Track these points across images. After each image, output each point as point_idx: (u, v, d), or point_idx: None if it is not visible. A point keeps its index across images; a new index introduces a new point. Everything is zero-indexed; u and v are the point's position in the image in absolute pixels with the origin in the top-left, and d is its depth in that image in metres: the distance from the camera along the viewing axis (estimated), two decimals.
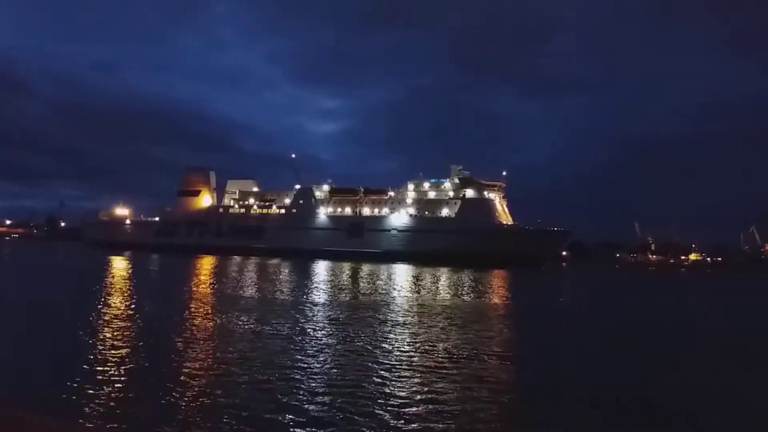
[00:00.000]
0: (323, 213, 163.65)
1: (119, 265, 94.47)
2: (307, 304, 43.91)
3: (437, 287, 67.76)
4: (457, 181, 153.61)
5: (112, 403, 16.69)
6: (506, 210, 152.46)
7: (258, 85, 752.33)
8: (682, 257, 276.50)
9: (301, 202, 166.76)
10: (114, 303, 40.44)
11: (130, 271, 80.00)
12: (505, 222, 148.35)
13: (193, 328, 31.00)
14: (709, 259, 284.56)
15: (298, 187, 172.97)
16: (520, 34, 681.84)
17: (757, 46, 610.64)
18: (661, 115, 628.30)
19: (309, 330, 31.54)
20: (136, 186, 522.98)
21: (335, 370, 21.89)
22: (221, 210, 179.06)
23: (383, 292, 57.83)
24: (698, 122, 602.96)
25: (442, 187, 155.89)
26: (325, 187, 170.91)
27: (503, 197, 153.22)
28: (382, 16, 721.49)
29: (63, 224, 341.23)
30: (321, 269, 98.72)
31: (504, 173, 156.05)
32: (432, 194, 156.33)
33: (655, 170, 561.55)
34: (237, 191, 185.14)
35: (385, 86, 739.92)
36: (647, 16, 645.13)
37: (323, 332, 31.14)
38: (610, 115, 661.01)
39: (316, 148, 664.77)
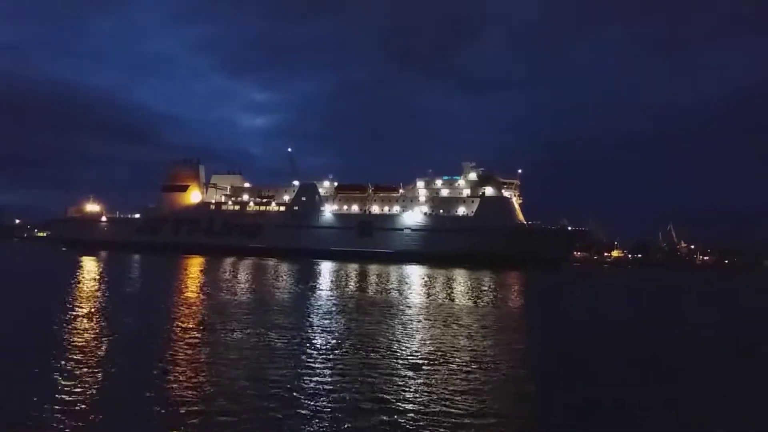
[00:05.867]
0: (328, 211, 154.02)
1: (94, 267, 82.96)
2: (314, 308, 41.05)
3: (461, 291, 61.61)
4: (472, 178, 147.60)
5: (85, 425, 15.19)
6: (519, 209, 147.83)
7: (183, 75, 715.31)
8: (605, 254, 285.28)
9: (303, 199, 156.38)
10: (96, 312, 35.21)
11: (108, 274, 69.96)
12: (522, 221, 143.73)
13: (187, 341, 26.85)
14: (630, 255, 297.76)
15: (296, 183, 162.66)
16: (450, 30, 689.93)
17: (679, 48, 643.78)
18: (587, 114, 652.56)
19: (314, 337, 29.08)
20: (51, 178, 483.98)
21: (341, 385, 19.85)
22: (213, 206, 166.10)
23: (399, 295, 53.03)
24: (621, 122, 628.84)
25: (456, 184, 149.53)
26: (327, 183, 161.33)
27: (518, 195, 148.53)
28: (312, 6, 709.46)
29: None
30: (327, 270, 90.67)
31: (519, 171, 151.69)
32: (445, 192, 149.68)
33: (579, 168, 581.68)
34: (228, 186, 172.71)
35: (316, 79, 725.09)
36: (574, 16, 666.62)
37: (329, 340, 28.39)
38: (537, 114, 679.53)
39: (245, 142, 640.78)
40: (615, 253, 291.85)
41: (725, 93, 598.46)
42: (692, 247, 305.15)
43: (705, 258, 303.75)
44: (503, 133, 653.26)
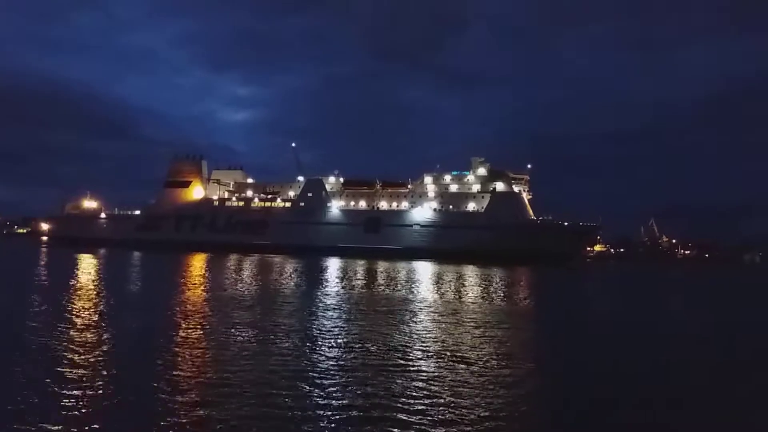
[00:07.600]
0: (335, 207, 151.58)
1: (93, 265, 79.66)
2: (321, 306, 39.71)
3: (467, 288, 59.66)
4: (481, 173, 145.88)
5: None
6: (528, 204, 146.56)
7: (164, 69, 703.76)
8: (588, 248, 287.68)
9: (309, 194, 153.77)
10: (96, 312, 33.77)
11: (108, 272, 67.15)
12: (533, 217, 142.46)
13: (188, 341, 25.76)
14: (612, 250, 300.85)
15: (301, 178, 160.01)
16: (435, 25, 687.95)
17: (663, 45, 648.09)
18: (573, 111, 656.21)
19: (320, 335, 28.24)
20: (29, 174, 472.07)
21: (344, 384, 19.40)
22: (216, 203, 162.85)
23: (413, 293, 51.86)
24: (608, 120, 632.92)
25: (465, 180, 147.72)
26: (332, 179, 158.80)
27: (528, 191, 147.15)
28: (298, 0, 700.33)
29: None
30: (334, 267, 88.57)
31: (529, 166, 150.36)
32: (454, 187, 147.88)
33: (562, 164, 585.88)
34: (231, 182, 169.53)
35: (301, 73, 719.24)
36: (560, 12, 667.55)
37: (335, 339, 27.54)
38: (523, 110, 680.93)
39: (228, 138, 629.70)
40: (597, 248, 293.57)
41: (712, 89, 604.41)
42: (674, 241, 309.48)
43: (686, 252, 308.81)
44: (490, 128, 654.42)
